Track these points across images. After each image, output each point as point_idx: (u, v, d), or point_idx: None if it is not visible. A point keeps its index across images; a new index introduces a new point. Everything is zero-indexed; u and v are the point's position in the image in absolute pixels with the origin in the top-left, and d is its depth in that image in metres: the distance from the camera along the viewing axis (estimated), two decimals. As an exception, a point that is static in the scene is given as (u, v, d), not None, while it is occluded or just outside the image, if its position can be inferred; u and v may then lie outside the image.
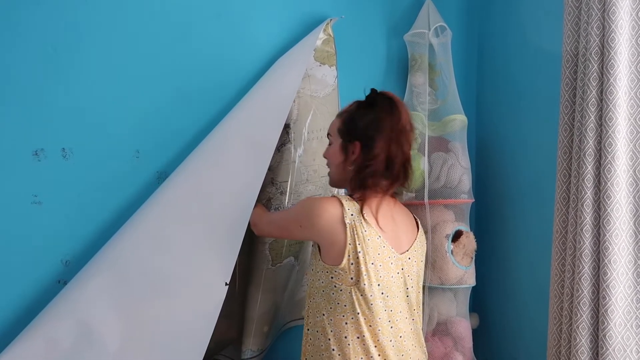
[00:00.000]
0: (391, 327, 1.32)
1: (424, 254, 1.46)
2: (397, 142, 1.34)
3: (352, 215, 1.29)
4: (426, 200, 1.75)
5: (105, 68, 1.56)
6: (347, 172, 1.38)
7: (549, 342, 1.47)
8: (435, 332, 1.76)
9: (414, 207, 1.78)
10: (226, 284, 1.34)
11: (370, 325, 1.30)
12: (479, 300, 1.97)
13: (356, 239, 1.28)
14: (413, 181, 1.72)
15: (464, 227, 1.78)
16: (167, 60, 1.62)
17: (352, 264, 1.28)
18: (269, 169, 1.48)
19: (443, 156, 1.78)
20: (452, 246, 1.74)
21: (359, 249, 1.28)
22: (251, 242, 1.62)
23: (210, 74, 1.67)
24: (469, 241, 1.76)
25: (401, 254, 1.36)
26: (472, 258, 1.78)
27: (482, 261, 1.88)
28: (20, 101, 1.48)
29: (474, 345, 1.80)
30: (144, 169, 1.60)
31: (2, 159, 1.46)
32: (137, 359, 1.35)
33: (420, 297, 1.43)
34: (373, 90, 1.39)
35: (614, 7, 1.28)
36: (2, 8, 1.46)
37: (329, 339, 1.31)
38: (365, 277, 1.28)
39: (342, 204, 1.30)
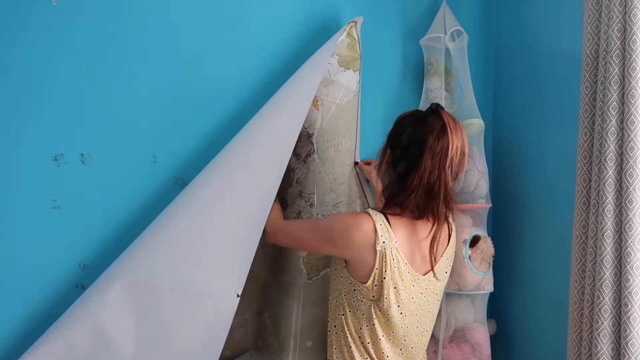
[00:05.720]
0: (405, 341, 1.40)
1: (451, 264, 1.47)
2: (438, 166, 1.29)
3: (384, 242, 1.31)
4: (443, 205, 1.73)
5: (123, 73, 1.57)
6: (380, 175, 1.42)
7: (569, 350, 1.44)
8: (453, 338, 1.74)
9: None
10: (238, 295, 1.34)
11: (384, 335, 1.37)
12: (496, 307, 1.94)
13: (384, 266, 1.31)
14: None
15: (482, 232, 1.76)
16: (184, 66, 1.63)
17: (376, 285, 1.32)
18: (297, 182, 1.46)
19: (460, 161, 1.76)
20: (469, 252, 1.72)
21: (384, 275, 1.31)
22: (283, 256, 1.62)
23: (226, 79, 1.68)
24: (487, 246, 1.74)
25: (424, 274, 1.38)
26: (489, 264, 1.76)
27: (500, 267, 1.85)
28: (40, 107, 1.50)
29: (491, 352, 1.78)
30: (161, 173, 1.61)
31: (23, 164, 1.48)
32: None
33: (439, 307, 1.46)
34: (432, 105, 1.36)
35: (635, 10, 1.26)
36: (23, 14, 1.48)
37: (347, 337, 1.38)
38: (386, 299, 1.33)
39: (375, 228, 1.31)
